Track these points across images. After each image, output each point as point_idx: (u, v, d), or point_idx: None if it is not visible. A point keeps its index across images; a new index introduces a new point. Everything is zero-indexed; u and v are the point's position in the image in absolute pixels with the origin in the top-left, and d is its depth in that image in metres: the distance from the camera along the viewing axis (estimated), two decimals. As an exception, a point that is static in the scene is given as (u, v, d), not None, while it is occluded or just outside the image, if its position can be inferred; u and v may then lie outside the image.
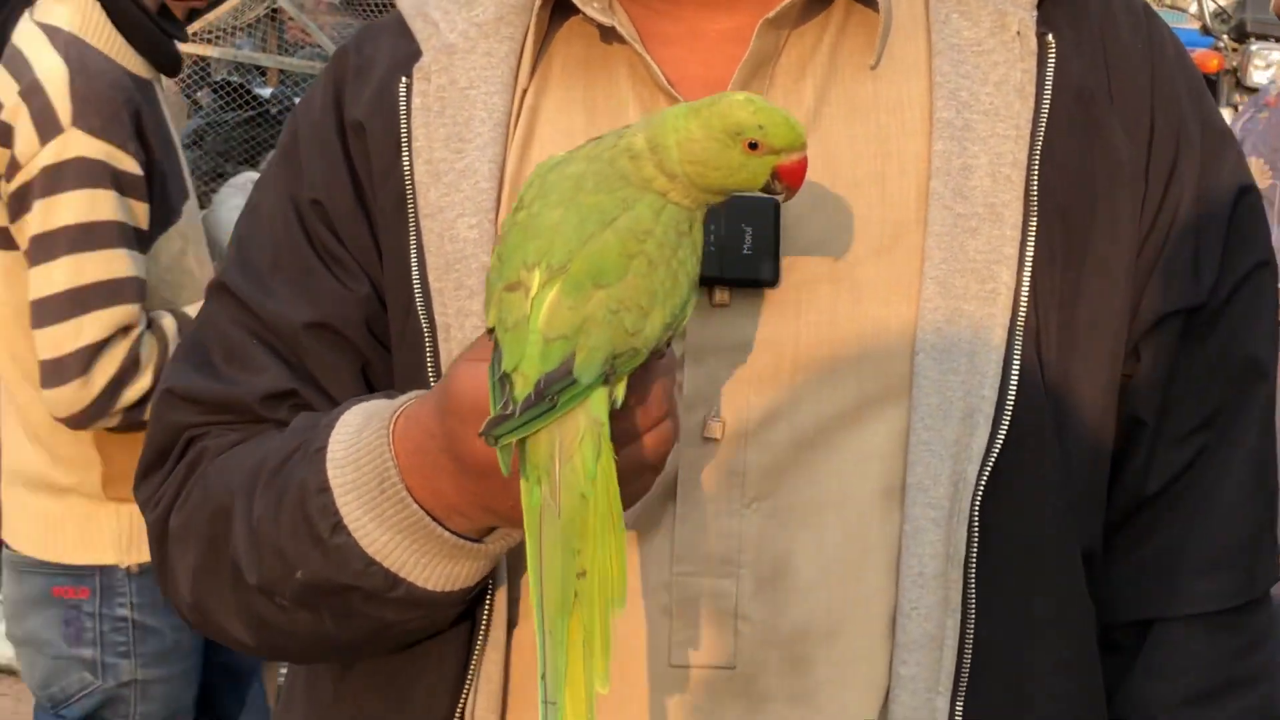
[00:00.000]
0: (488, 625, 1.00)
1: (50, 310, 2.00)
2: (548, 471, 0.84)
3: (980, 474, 0.95)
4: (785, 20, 0.99)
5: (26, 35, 2.11)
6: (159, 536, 1.07)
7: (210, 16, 2.99)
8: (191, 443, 1.06)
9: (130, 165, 2.07)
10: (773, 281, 0.97)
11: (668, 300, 0.85)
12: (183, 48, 2.61)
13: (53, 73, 2.04)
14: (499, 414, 0.83)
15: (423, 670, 1.00)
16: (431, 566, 0.94)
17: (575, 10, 1.02)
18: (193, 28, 2.97)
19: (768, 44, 0.98)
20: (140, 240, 2.12)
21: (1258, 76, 4.36)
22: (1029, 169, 0.98)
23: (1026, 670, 0.99)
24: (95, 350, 2.00)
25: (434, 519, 0.93)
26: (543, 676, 0.84)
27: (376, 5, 3.23)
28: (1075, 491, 1.01)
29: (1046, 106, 0.99)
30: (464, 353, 0.90)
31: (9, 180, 2.00)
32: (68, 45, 2.09)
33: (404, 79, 1.04)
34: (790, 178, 0.87)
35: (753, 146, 0.84)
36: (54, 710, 2.18)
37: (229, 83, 2.99)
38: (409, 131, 1.03)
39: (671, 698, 0.98)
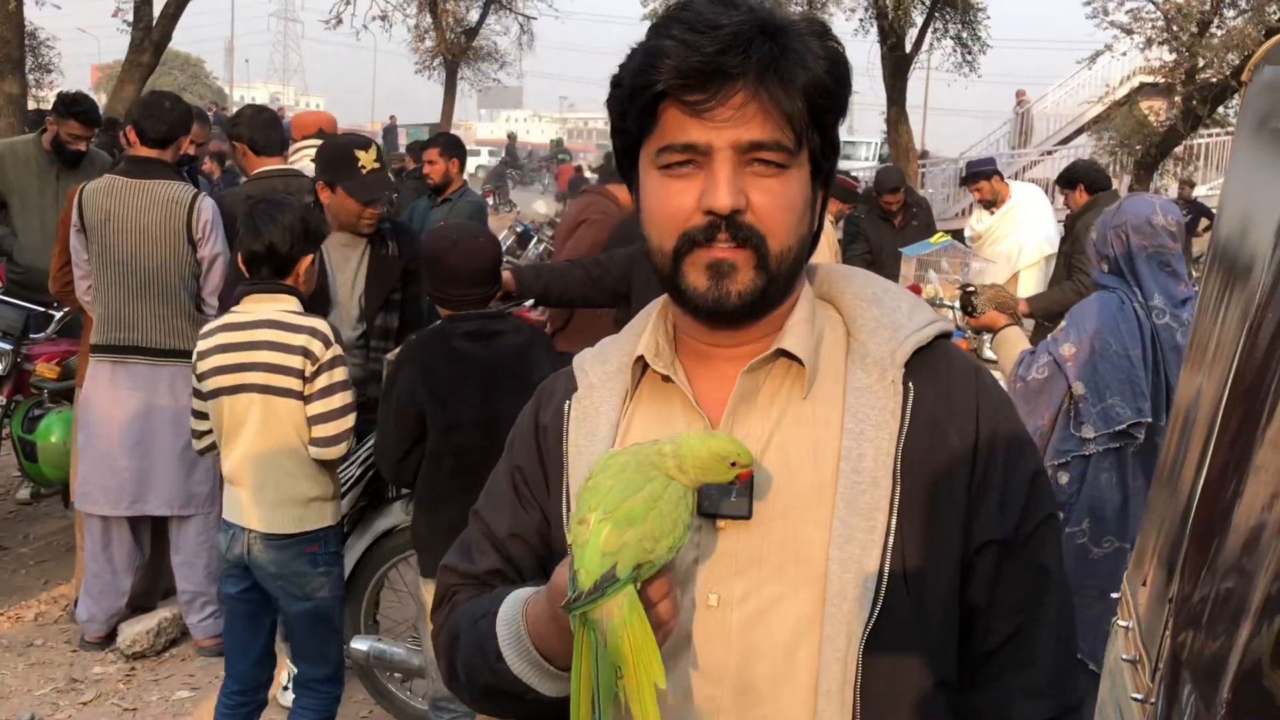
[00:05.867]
0: None
1: (333, 415, 3.96)
2: (597, 624, 1.25)
3: (865, 632, 1.35)
4: (759, 368, 1.46)
5: (272, 309, 3.99)
6: (440, 645, 1.65)
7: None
8: (454, 594, 1.65)
9: None
10: (749, 516, 1.41)
11: (670, 534, 1.26)
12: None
13: (319, 326, 3.95)
14: (571, 597, 1.24)
15: None
16: (546, 684, 1.43)
17: None
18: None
19: (748, 383, 1.46)
20: None
21: (988, 353, 5.31)
22: (896, 457, 1.39)
23: None
24: (351, 427, 4.01)
25: (545, 658, 1.40)
26: None
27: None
28: (930, 646, 1.38)
29: (908, 422, 1.41)
30: (560, 565, 1.34)
31: (314, 366, 3.93)
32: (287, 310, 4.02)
33: (567, 402, 1.59)
34: (744, 478, 1.32)
35: (732, 465, 1.29)
36: (305, 597, 4.02)
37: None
38: (567, 430, 1.57)
39: None
